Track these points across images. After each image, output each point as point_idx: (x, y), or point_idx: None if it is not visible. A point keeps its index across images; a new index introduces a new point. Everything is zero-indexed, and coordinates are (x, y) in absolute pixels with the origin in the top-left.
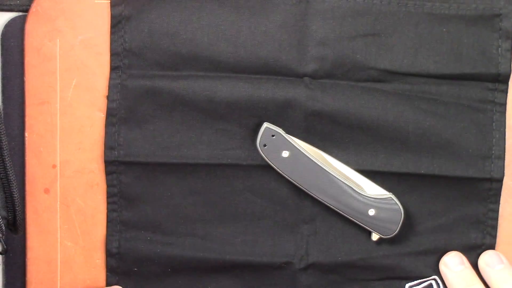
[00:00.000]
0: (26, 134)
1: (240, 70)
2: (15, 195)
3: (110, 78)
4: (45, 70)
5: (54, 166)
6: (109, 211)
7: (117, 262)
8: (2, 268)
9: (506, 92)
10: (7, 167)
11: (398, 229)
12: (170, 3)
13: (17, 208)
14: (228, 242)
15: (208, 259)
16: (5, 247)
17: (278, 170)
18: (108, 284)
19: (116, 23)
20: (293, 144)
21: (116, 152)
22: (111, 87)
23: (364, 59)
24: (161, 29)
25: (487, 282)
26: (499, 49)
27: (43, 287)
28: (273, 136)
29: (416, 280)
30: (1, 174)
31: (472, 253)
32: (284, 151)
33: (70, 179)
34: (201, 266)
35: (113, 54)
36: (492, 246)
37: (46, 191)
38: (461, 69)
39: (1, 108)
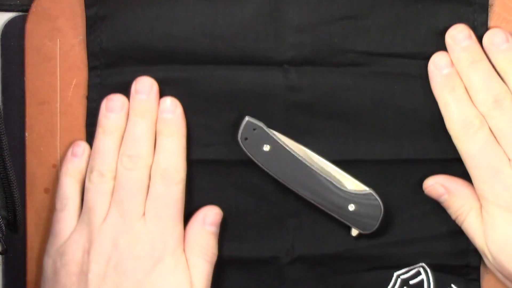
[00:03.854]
0: (26, 134)
1: (218, 61)
2: (15, 195)
3: (89, 79)
4: (45, 70)
5: (54, 166)
6: None
7: None
8: (2, 268)
9: None
10: (7, 167)
11: (378, 224)
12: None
13: (17, 208)
14: None
15: None
16: (5, 247)
17: (259, 164)
18: None
19: (92, 24)
20: (274, 138)
21: None
22: (90, 87)
23: (342, 42)
24: (137, 25)
25: (492, 62)
26: (475, 22)
27: None
28: (254, 129)
29: (404, 268)
30: (1, 174)
31: (461, 238)
32: (265, 145)
33: None
34: None
35: (90, 54)
36: None
37: (47, 190)
38: (439, 46)
39: (1, 108)
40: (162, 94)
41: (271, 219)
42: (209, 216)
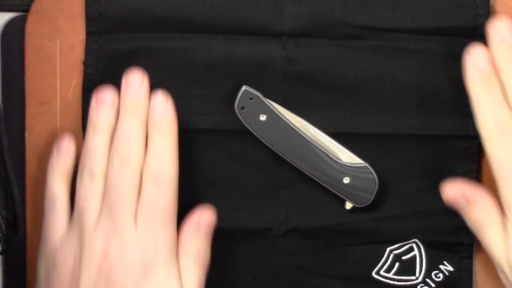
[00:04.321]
0: (26, 134)
1: (216, 30)
2: (15, 195)
3: (87, 44)
4: (45, 70)
5: None
6: None
7: None
8: (2, 268)
9: None
10: (7, 167)
11: (372, 198)
12: None
13: (17, 208)
14: None
15: None
16: (5, 247)
17: (255, 133)
18: None
19: None
20: (271, 108)
21: None
22: (87, 52)
23: (342, 15)
24: None
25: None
26: (476, 0)
27: None
28: (251, 99)
29: (397, 243)
30: (1, 174)
31: (455, 215)
32: (261, 115)
33: None
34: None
35: (89, 19)
36: None
37: None
38: (439, 22)
39: (1, 108)
40: (159, 62)
41: (265, 190)
42: (203, 221)
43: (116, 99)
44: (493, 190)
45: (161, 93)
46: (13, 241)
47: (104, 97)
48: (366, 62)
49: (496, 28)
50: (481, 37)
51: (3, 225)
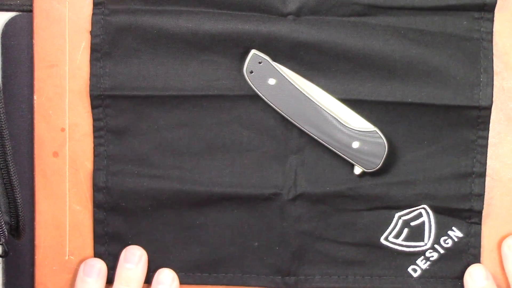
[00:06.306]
0: (35, 97)
1: (224, 6)
2: (19, 201)
3: (93, 14)
4: (54, 33)
5: (63, 130)
6: (96, 145)
7: (104, 197)
8: (2, 267)
9: (492, 21)
10: (11, 173)
11: (381, 163)
12: None
13: (20, 214)
14: (216, 174)
15: (196, 192)
16: (7, 250)
17: (264, 97)
18: (95, 220)
19: None
20: (279, 72)
21: (101, 86)
22: (94, 22)
23: None
24: None
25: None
26: None
27: (51, 251)
28: (260, 63)
29: (406, 209)
30: (5, 179)
31: (464, 181)
32: (270, 79)
33: (79, 143)
34: (189, 199)
35: None
36: (482, 174)
37: (55, 154)
38: (446, 0)
39: (3, 111)
40: (165, 32)
41: (274, 155)
42: None
43: (104, 268)
44: (501, 155)
45: (168, 271)
46: (13, 241)
47: (91, 268)
48: (374, 33)
49: (510, 245)
50: (489, 11)
51: (5, 229)
